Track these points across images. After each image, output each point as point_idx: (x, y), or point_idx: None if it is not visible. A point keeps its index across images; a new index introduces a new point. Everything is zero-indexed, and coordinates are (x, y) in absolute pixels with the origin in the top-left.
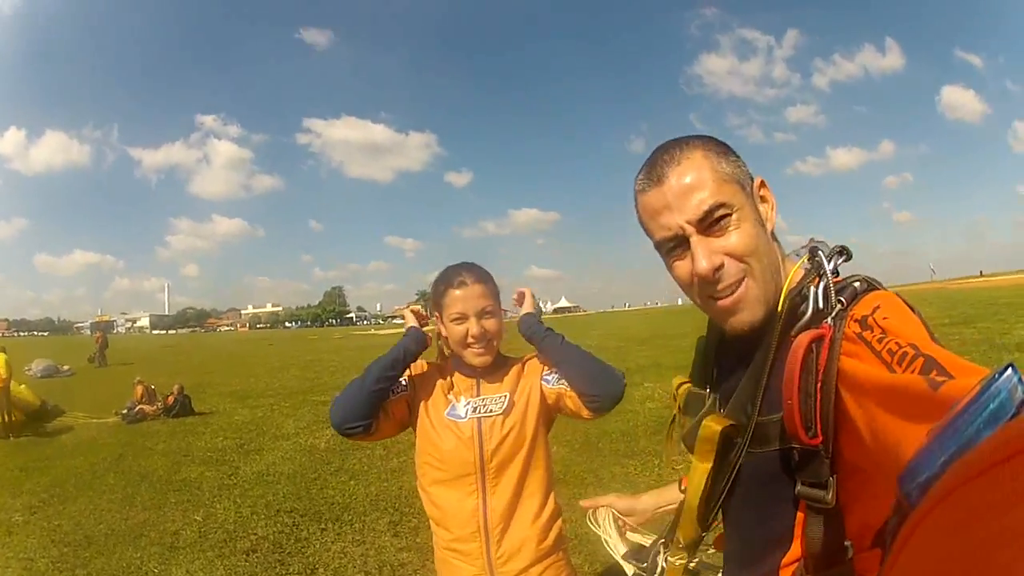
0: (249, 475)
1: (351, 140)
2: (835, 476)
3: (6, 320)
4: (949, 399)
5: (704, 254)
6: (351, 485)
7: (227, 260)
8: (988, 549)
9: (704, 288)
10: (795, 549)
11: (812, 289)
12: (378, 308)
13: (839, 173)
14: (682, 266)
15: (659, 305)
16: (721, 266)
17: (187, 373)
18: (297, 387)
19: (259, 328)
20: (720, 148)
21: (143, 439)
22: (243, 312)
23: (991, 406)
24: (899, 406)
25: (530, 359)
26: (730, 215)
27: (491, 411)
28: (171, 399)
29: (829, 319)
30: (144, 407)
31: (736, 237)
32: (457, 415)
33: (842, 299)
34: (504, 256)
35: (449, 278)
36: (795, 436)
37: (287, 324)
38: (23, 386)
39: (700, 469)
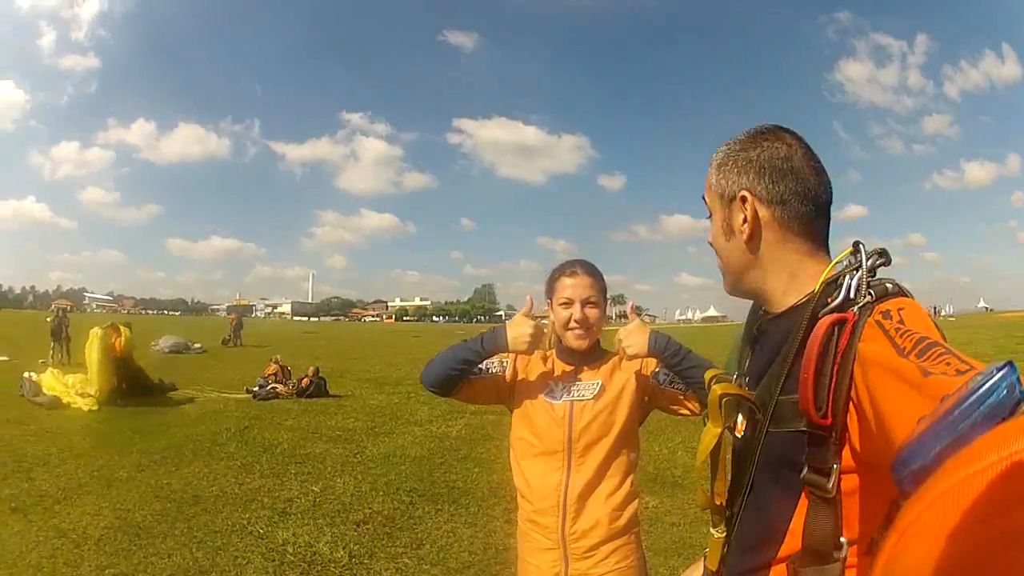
0: (375, 455)
1: (502, 141)
2: (838, 466)
3: (133, 298)
4: (941, 386)
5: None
6: (475, 472)
7: (375, 253)
8: (987, 550)
9: None
10: (792, 543)
11: (847, 279)
12: None
13: (971, 189)
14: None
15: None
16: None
17: (325, 358)
18: None
19: (406, 320)
20: (726, 159)
21: (272, 415)
22: (390, 304)
23: (989, 401)
24: (896, 383)
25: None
26: (712, 215)
27: (583, 396)
28: (306, 381)
29: (856, 308)
30: (277, 386)
31: (710, 231)
32: (553, 397)
33: (872, 292)
34: (654, 263)
35: (563, 267)
36: (806, 413)
37: (435, 318)
38: (141, 362)
39: (710, 432)
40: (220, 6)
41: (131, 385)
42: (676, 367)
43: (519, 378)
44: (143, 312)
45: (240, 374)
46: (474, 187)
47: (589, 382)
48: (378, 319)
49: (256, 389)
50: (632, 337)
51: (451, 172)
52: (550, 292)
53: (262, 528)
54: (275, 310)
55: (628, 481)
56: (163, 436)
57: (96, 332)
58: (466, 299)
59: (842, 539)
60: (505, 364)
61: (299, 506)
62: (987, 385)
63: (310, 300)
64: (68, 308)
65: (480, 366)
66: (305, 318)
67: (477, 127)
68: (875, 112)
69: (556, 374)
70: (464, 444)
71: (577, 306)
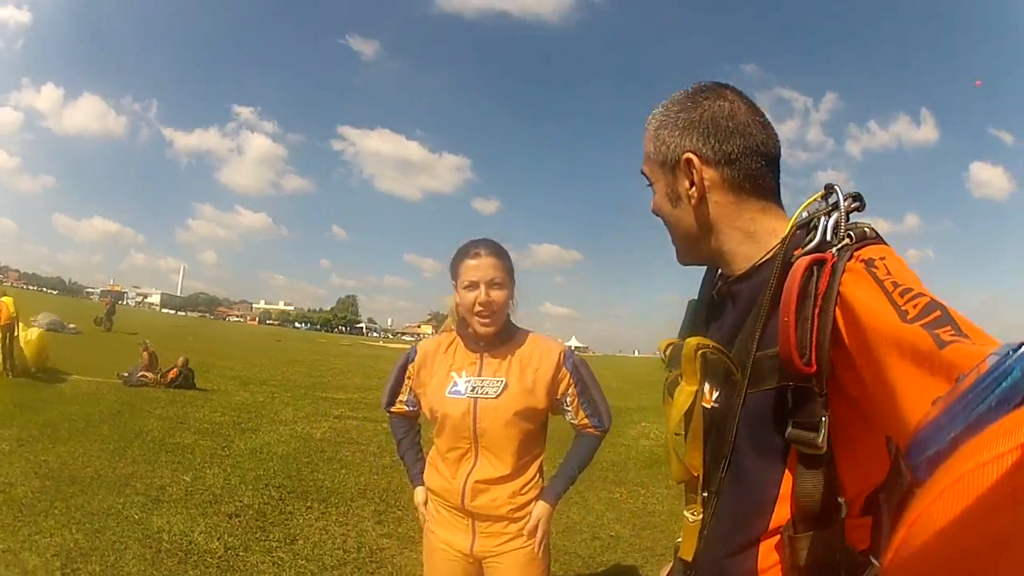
0: (242, 449)
1: (384, 153)
2: (827, 417)
3: (17, 271)
4: (955, 362)
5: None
6: (342, 473)
7: (246, 253)
8: (999, 544)
9: None
10: (782, 511)
11: (823, 219)
12: (389, 323)
13: None
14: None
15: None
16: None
17: (193, 352)
18: (301, 381)
19: (268, 323)
20: (664, 123)
21: (142, 402)
22: (255, 306)
23: (1004, 384)
24: (901, 354)
25: (547, 344)
26: (650, 184)
27: (487, 393)
28: (175, 371)
29: (834, 250)
30: (147, 374)
31: (654, 199)
32: (457, 391)
33: (851, 234)
34: (520, 291)
35: (466, 249)
36: (789, 361)
37: (297, 324)
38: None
39: (684, 391)
40: None
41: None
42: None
43: (421, 378)
44: (24, 287)
45: (110, 359)
46: (350, 196)
47: (493, 378)
48: (242, 320)
49: (127, 375)
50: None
51: (330, 179)
52: (454, 275)
53: (137, 514)
54: (145, 299)
55: (533, 467)
56: (41, 412)
57: None
58: (329, 308)
59: (840, 499)
60: (413, 398)
61: (171, 494)
62: (1002, 367)
63: (179, 293)
64: None
65: (408, 407)
66: (173, 311)
67: (360, 136)
68: None
69: (459, 365)
70: (329, 446)
71: (482, 288)
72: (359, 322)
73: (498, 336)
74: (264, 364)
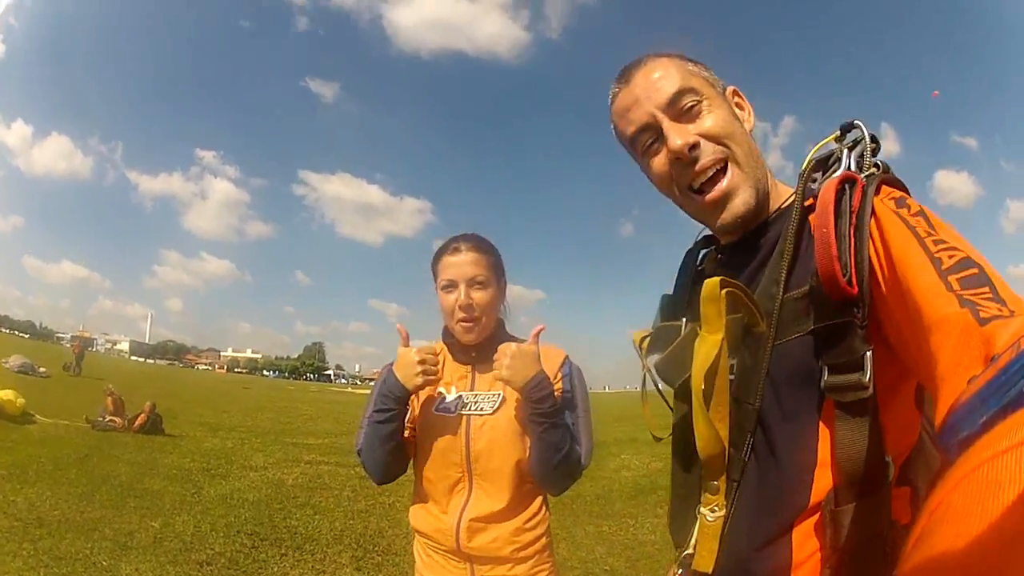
0: (212, 496)
1: (345, 198)
2: (871, 352)
3: None
4: (993, 337)
5: (677, 132)
6: (316, 519)
7: (211, 299)
8: (1017, 535)
9: (683, 176)
10: (822, 482)
11: (845, 151)
12: (357, 369)
13: None
14: (658, 159)
15: (638, 389)
16: (697, 144)
17: (162, 398)
18: (270, 428)
19: (237, 372)
20: (690, 59)
21: (110, 447)
22: (223, 354)
23: None
24: (935, 320)
25: (546, 352)
26: (700, 102)
27: (481, 409)
28: (143, 417)
29: (863, 176)
30: (115, 418)
31: (711, 120)
32: (446, 408)
33: (879, 163)
34: None
35: (446, 245)
36: (830, 279)
37: (265, 372)
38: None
39: (708, 341)
40: (119, 17)
41: None
42: (538, 419)
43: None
44: None
45: (79, 402)
46: (313, 242)
47: (488, 392)
48: (210, 368)
49: (97, 420)
50: (515, 361)
51: (292, 224)
52: (434, 276)
53: (105, 560)
54: (115, 346)
55: (538, 499)
56: (9, 453)
57: None
58: (296, 355)
59: (887, 458)
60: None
61: (140, 540)
62: None
63: (148, 341)
64: None
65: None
66: (142, 359)
67: (321, 181)
68: None
69: (447, 378)
70: (302, 492)
71: (462, 288)
72: (327, 369)
73: (491, 344)
74: (233, 411)
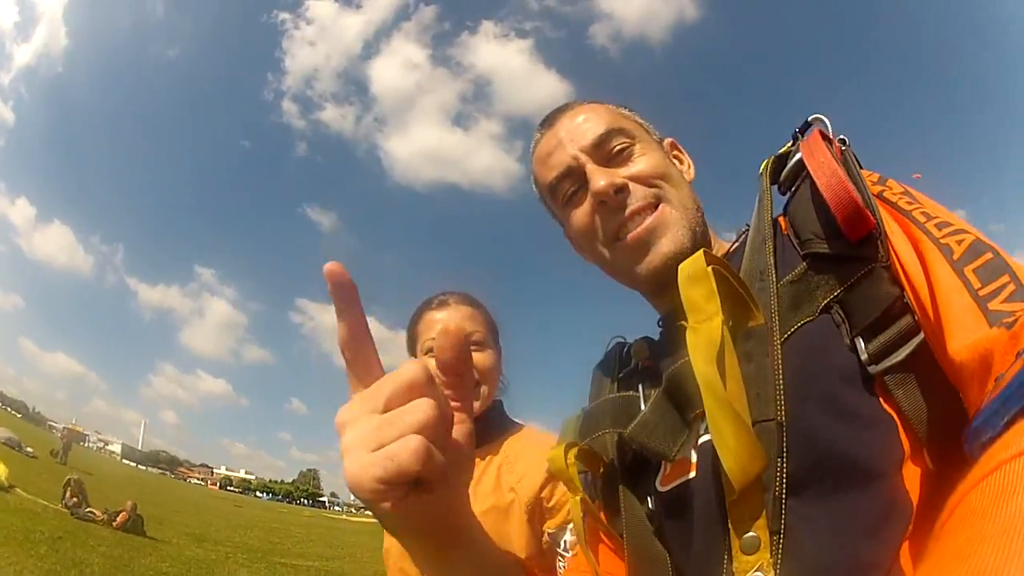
0: None
1: None
2: (902, 295)
3: None
4: (1020, 336)
5: (602, 174)
6: None
7: (206, 417)
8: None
9: (608, 223)
10: (912, 475)
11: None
12: (351, 497)
13: None
14: (580, 209)
15: None
16: (624, 187)
17: (149, 503)
18: (258, 545)
19: (230, 490)
20: (623, 105)
21: (85, 536)
22: (216, 471)
23: None
24: (964, 320)
25: (543, 442)
26: (632, 145)
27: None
28: (124, 515)
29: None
30: (94, 511)
31: (643, 162)
32: None
33: (845, 139)
34: None
35: (429, 300)
36: (848, 207)
37: (259, 493)
38: None
39: (707, 328)
40: (126, 116)
41: None
42: None
43: None
44: None
45: (60, 487)
46: (310, 370)
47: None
48: (203, 483)
49: (76, 509)
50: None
51: (289, 352)
52: (411, 344)
53: None
54: (107, 446)
55: None
56: None
57: None
58: (291, 480)
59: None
60: None
61: None
62: None
63: (140, 447)
64: None
65: None
66: (134, 464)
67: (319, 310)
68: None
69: None
70: None
71: None
72: (321, 496)
73: (483, 427)
74: (221, 525)
